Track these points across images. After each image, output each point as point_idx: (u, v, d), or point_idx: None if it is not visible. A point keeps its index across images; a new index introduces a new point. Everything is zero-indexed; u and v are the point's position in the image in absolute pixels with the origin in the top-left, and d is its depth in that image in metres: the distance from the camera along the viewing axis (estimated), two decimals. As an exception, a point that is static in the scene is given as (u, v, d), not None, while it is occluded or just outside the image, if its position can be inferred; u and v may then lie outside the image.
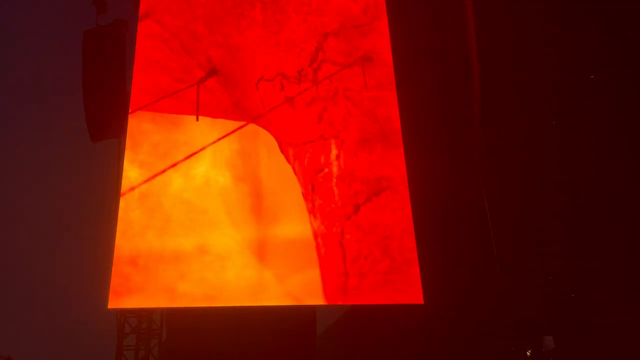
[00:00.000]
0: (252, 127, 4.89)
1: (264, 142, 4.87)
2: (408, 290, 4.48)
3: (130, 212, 4.45)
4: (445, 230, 4.91)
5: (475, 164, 5.19)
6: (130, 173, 4.59)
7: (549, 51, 5.67)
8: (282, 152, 4.85)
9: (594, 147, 5.52)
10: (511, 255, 5.04)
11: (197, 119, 4.78)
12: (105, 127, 5.47)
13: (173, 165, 4.65)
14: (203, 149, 4.72)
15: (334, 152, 4.83)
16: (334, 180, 4.74)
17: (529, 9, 5.72)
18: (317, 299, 4.43)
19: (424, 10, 5.64)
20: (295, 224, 4.61)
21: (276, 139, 4.89)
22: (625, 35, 5.79)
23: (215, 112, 4.92)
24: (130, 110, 4.85)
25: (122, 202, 4.47)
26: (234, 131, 4.83)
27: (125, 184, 4.54)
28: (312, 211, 4.62)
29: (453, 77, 5.51)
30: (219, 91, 4.94)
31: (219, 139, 4.77)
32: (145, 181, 4.57)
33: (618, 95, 5.74)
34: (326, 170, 4.77)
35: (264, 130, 4.90)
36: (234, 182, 4.70)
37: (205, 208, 4.58)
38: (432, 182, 4.88)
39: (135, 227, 4.42)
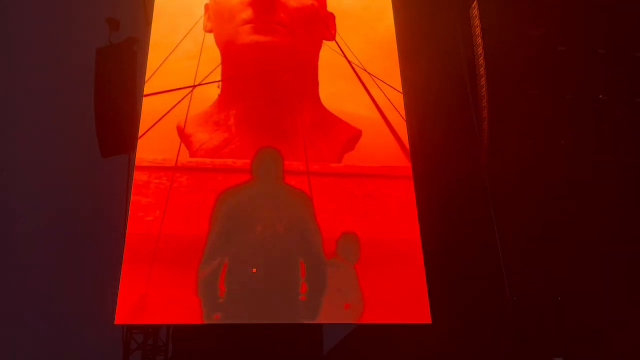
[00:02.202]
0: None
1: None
2: (416, 309, 4.38)
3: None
4: (453, 247, 4.81)
5: (484, 186, 5.11)
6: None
7: (556, 74, 5.65)
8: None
9: (604, 167, 5.48)
10: (520, 276, 4.93)
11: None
12: (116, 142, 5.44)
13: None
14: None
15: None
16: None
17: (537, 36, 5.70)
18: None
19: (434, 43, 5.64)
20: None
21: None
22: (634, 55, 5.79)
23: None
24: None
25: (131, 218, 4.41)
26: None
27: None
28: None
29: (461, 108, 5.51)
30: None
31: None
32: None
33: (626, 115, 5.71)
34: None
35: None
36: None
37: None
38: (439, 206, 4.83)
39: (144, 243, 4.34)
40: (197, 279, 4.25)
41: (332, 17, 5.50)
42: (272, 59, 5.13)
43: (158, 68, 5.02)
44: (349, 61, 5.28)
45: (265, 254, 4.39)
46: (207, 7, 5.39)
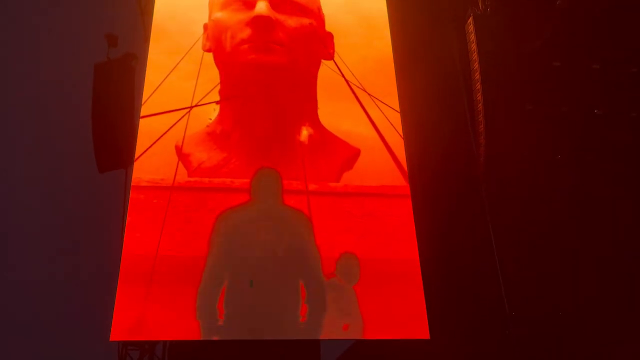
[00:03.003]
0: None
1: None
2: (414, 324, 4.34)
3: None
4: (451, 266, 4.77)
5: (482, 203, 5.09)
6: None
7: (552, 89, 5.66)
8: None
9: (601, 181, 5.46)
10: (519, 292, 4.89)
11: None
12: (113, 158, 5.39)
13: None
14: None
15: None
16: None
17: (532, 52, 5.71)
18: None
19: (431, 59, 5.63)
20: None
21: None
22: (629, 70, 5.80)
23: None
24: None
25: (128, 238, 4.34)
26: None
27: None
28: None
29: (458, 124, 5.50)
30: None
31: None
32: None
33: (622, 130, 5.71)
34: None
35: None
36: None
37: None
38: (438, 225, 4.81)
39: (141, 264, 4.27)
40: (196, 301, 4.18)
41: (330, 36, 5.49)
42: (271, 78, 5.10)
43: (156, 89, 4.98)
44: (347, 80, 5.27)
45: (265, 276, 4.33)
46: (205, 26, 5.36)
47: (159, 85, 5.01)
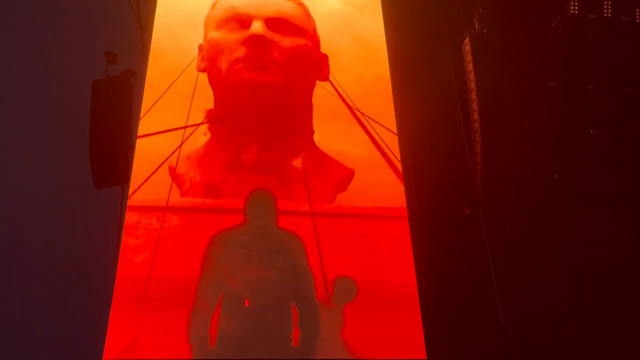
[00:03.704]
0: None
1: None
2: (411, 348, 4.27)
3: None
4: (449, 289, 4.71)
5: (479, 224, 5.04)
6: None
7: (548, 110, 5.65)
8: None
9: (597, 201, 5.43)
10: (516, 312, 4.82)
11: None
12: (110, 174, 5.35)
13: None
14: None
15: None
16: None
17: (528, 72, 5.71)
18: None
19: (427, 79, 5.62)
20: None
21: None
22: (624, 91, 5.81)
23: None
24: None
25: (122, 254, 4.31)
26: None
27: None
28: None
29: (455, 144, 5.48)
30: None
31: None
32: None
33: (617, 149, 5.69)
34: None
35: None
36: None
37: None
38: (436, 247, 4.75)
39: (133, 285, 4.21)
40: (189, 324, 4.11)
41: (325, 58, 5.47)
42: (266, 97, 5.08)
43: (151, 108, 4.97)
44: (343, 100, 5.24)
45: (258, 300, 4.26)
46: (201, 47, 5.35)
47: (153, 104, 5.00)
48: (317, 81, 5.34)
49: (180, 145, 4.77)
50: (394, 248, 4.63)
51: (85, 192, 5.15)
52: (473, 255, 4.90)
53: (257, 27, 5.07)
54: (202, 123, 4.96)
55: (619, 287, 5.06)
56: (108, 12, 6.08)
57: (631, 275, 5.14)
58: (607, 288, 5.04)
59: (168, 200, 4.54)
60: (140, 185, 4.60)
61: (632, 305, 5.01)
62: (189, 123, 4.93)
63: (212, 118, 5.01)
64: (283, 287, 4.32)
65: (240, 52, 5.06)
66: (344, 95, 5.27)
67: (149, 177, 4.60)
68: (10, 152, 5.80)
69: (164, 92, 5.03)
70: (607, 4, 5.82)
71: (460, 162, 5.40)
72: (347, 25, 5.74)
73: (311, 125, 5.14)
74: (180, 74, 5.14)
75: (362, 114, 5.19)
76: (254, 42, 5.02)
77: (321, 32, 5.54)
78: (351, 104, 5.22)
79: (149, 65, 5.29)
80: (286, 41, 5.18)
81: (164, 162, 4.66)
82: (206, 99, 5.09)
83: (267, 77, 5.04)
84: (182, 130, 4.88)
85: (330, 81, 5.33)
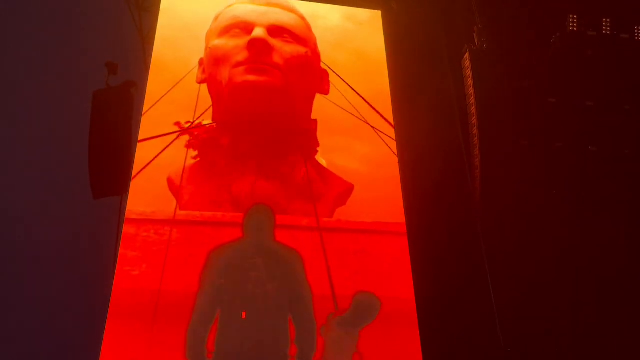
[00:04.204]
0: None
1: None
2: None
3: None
4: (448, 305, 4.65)
5: (478, 241, 5.00)
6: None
7: (548, 125, 5.64)
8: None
9: (596, 217, 5.41)
10: (515, 327, 4.79)
11: None
12: (109, 184, 5.30)
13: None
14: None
15: None
16: None
17: (527, 88, 5.71)
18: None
19: (427, 94, 5.61)
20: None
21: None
22: (622, 108, 5.81)
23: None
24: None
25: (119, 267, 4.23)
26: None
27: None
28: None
29: (454, 161, 5.45)
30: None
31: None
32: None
33: (616, 167, 5.68)
34: None
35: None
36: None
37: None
38: (435, 262, 4.72)
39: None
40: (186, 339, 4.04)
41: (326, 74, 5.46)
42: (266, 101, 5.01)
43: (150, 109, 4.95)
44: (347, 111, 5.23)
45: (255, 315, 4.19)
46: (201, 61, 5.33)
47: (147, 109, 4.99)
48: (318, 95, 5.31)
49: (159, 154, 4.72)
50: (392, 263, 4.59)
51: (83, 201, 5.09)
52: (472, 272, 4.85)
53: (258, 31, 5.07)
54: (198, 126, 4.91)
55: (620, 296, 5.03)
56: (110, 23, 6.08)
57: (630, 284, 5.11)
58: (607, 297, 5.00)
59: (166, 213, 4.48)
60: (134, 186, 4.54)
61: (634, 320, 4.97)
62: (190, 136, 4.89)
63: (212, 128, 4.97)
64: (280, 302, 4.25)
65: (242, 55, 5.02)
66: (348, 107, 5.25)
67: (132, 178, 4.55)
68: (10, 158, 5.76)
69: (159, 100, 5.01)
70: (606, 22, 5.85)
71: (459, 176, 5.37)
72: (348, 41, 5.76)
73: (312, 139, 5.10)
74: (178, 82, 5.12)
75: (368, 124, 5.17)
76: (255, 45, 4.99)
77: (322, 46, 5.54)
78: (357, 115, 5.21)
79: (149, 76, 5.27)
80: (287, 48, 5.16)
81: (143, 169, 4.63)
82: (209, 112, 5.06)
83: (268, 79, 4.98)
84: (180, 141, 4.85)
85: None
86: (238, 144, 4.93)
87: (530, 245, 5.14)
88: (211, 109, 5.07)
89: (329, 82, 5.40)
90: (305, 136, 5.08)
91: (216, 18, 5.47)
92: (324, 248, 4.49)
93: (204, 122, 4.98)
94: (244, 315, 4.16)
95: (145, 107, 5.07)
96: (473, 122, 5.67)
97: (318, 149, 5.05)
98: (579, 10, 5.87)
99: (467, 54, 5.81)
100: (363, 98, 5.30)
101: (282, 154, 4.96)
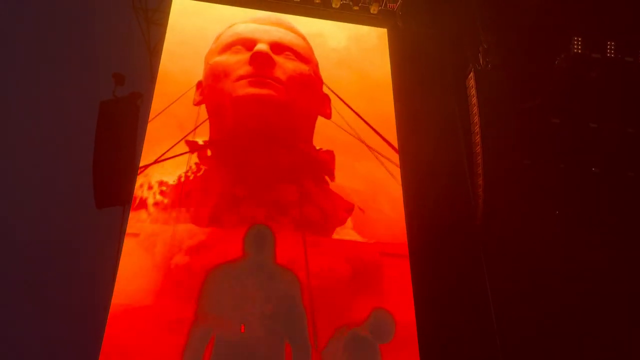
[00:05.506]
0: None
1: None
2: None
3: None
4: (448, 326, 4.55)
5: (479, 262, 4.91)
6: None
7: (550, 144, 5.58)
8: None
9: (598, 237, 5.33)
10: (516, 346, 4.69)
11: None
12: (112, 194, 5.25)
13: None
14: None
15: None
16: None
17: (531, 108, 5.66)
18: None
19: (432, 113, 5.55)
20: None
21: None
22: (626, 130, 5.75)
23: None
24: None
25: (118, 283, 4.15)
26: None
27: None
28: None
29: (458, 181, 5.37)
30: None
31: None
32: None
33: (619, 189, 5.61)
34: None
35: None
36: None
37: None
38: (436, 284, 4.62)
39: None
40: (183, 357, 3.95)
41: (328, 98, 5.38)
42: (267, 113, 4.97)
43: (154, 116, 4.92)
44: (349, 133, 5.16)
45: (252, 336, 4.09)
46: (199, 84, 5.25)
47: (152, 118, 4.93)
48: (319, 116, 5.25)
49: (148, 166, 4.67)
50: (394, 285, 4.50)
51: (86, 210, 5.04)
52: (474, 300, 4.75)
53: (261, 46, 5.06)
54: (197, 147, 4.85)
55: (621, 315, 4.94)
56: (119, 35, 6.09)
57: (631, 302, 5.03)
58: (608, 312, 4.92)
59: (166, 230, 4.39)
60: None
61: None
62: (191, 151, 4.83)
63: (210, 146, 4.91)
64: (277, 324, 4.16)
65: (244, 69, 5.01)
66: (349, 130, 5.18)
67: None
68: (14, 166, 5.74)
69: (162, 111, 4.97)
70: (611, 45, 5.80)
71: (462, 194, 5.29)
72: (353, 61, 5.70)
73: (312, 156, 5.03)
74: (180, 97, 5.08)
75: (367, 146, 5.10)
76: (258, 58, 4.98)
77: (328, 65, 5.50)
78: (356, 136, 5.14)
79: (155, 88, 5.24)
80: (290, 64, 5.14)
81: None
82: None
83: (270, 92, 4.96)
84: (181, 158, 4.79)
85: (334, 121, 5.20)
86: (236, 162, 4.87)
87: (533, 266, 5.04)
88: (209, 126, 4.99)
89: (330, 107, 5.33)
90: (304, 154, 5.01)
91: (217, 38, 5.45)
92: (301, 262, 4.40)
93: (200, 141, 4.91)
94: (242, 328, 4.06)
95: (151, 118, 5.04)
96: (477, 141, 5.59)
97: (327, 177, 4.94)
98: (584, 33, 5.83)
99: (471, 73, 5.75)
100: (367, 123, 5.24)
101: (282, 174, 4.87)
